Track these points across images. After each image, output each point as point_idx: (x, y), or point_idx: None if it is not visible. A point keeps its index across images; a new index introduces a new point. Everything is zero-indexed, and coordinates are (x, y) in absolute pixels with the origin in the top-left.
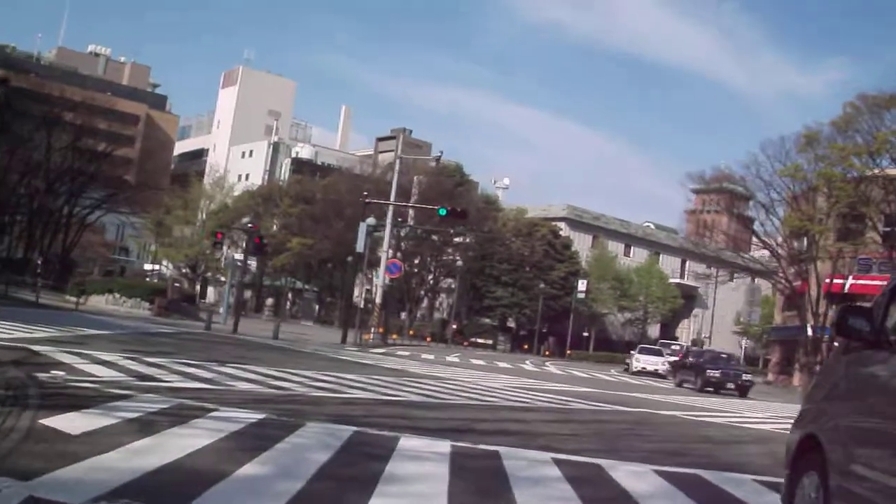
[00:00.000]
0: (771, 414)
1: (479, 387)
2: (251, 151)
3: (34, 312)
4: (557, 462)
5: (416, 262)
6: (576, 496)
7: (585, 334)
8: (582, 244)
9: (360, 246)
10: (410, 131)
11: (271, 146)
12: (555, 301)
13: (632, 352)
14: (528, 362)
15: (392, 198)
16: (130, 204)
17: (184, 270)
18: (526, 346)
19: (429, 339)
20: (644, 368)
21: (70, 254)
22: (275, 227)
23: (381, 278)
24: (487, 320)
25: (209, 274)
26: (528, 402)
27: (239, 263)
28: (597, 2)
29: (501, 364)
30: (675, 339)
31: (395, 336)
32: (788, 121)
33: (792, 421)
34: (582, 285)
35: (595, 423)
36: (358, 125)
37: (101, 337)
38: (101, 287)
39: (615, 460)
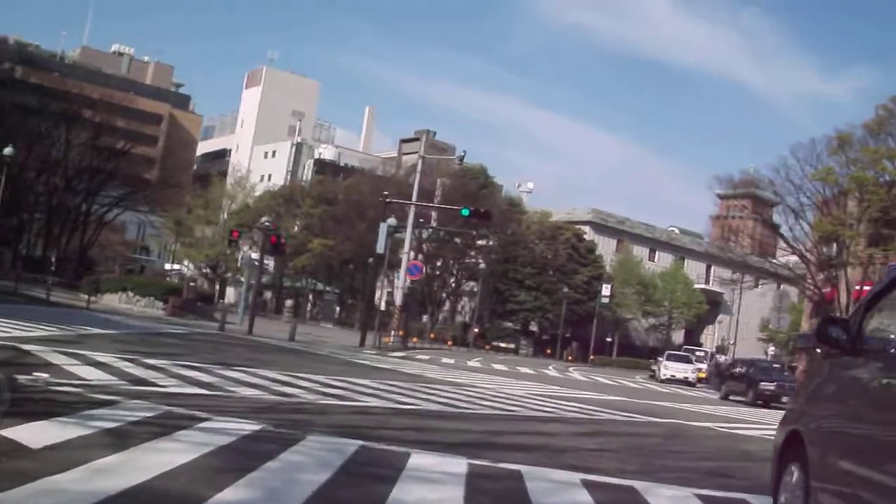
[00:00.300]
0: None
1: (501, 394)
2: (274, 152)
3: (42, 310)
4: (587, 484)
5: (439, 264)
6: None
7: (609, 340)
8: (606, 248)
9: (380, 247)
10: (434, 133)
11: (294, 147)
12: (578, 305)
13: (658, 358)
14: (551, 368)
15: (414, 198)
16: (151, 203)
17: (205, 270)
18: (549, 351)
19: (450, 342)
20: (673, 376)
21: (87, 252)
22: (296, 227)
23: (401, 280)
24: (510, 324)
25: (229, 274)
26: (552, 412)
27: (256, 263)
28: (620, 7)
29: (524, 369)
30: (700, 345)
31: (415, 339)
32: (812, 127)
33: None
34: (606, 290)
35: (625, 437)
36: (382, 127)
37: (103, 336)
38: (115, 286)
39: (651, 482)
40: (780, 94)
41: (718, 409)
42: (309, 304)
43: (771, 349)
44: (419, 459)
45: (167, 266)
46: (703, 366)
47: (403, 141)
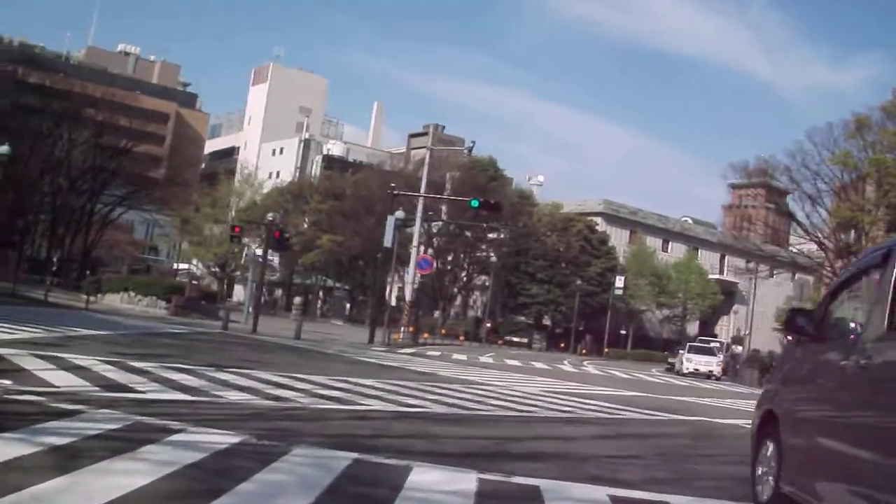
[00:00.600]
0: None
1: (514, 393)
2: (282, 149)
3: (37, 312)
4: (616, 502)
5: (450, 258)
6: None
7: (623, 332)
8: (619, 239)
9: (387, 240)
10: (443, 127)
11: (302, 143)
12: (591, 298)
13: (679, 350)
14: (565, 362)
15: (423, 190)
16: (158, 202)
17: (214, 269)
18: (562, 345)
19: (462, 337)
20: (696, 370)
21: (91, 252)
22: (305, 224)
23: (411, 275)
24: (522, 318)
25: (237, 273)
26: (570, 412)
27: (259, 259)
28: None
29: (538, 364)
30: (715, 336)
31: (426, 335)
32: (820, 116)
33: None
34: (619, 281)
35: (651, 439)
36: (390, 123)
37: (93, 338)
38: (117, 285)
39: (688, 496)
40: (788, 85)
41: (743, 404)
42: (319, 302)
43: (786, 339)
44: (421, 475)
45: (176, 265)
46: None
47: (412, 136)
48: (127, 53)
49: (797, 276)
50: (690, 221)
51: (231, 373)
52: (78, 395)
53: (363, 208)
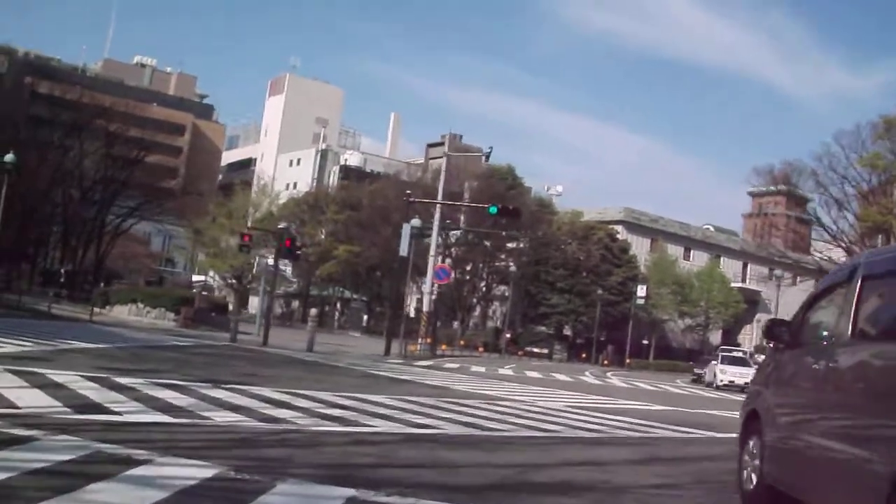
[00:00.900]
0: None
1: (536, 409)
2: (299, 160)
3: (38, 324)
4: None
5: (468, 268)
6: None
7: (645, 342)
8: (640, 248)
9: (403, 249)
10: (461, 137)
11: (319, 154)
12: (613, 307)
13: (712, 361)
14: (588, 374)
15: (440, 197)
16: (174, 213)
17: (230, 281)
18: (584, 356)
19: (481, 348)
20: (732, 382)
21: (103, 263)
22: (321, 234)
23: (428, 284)
24: (543, 328)
25: (253, 284)
26: (598, 430)
27: (271, 268)
28: (644, 8)
29: (560, 377)
30: (738, 345)
31: (444, 346)
32: (840, 123)
33: None
34: (641, 290)
35: (690, 463)
36: (408, 133)
37: (86, 351)
38: (125, 297)
39: None
40: (807, 91)
41: None
42: (337, 313)
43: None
44: None
45: (193, 277)
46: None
47: (430, 146)
48: (143, 65)
49: None
50: (712, 229)
51: (227, 389)
52: (41, 417)
53: (380, 218)
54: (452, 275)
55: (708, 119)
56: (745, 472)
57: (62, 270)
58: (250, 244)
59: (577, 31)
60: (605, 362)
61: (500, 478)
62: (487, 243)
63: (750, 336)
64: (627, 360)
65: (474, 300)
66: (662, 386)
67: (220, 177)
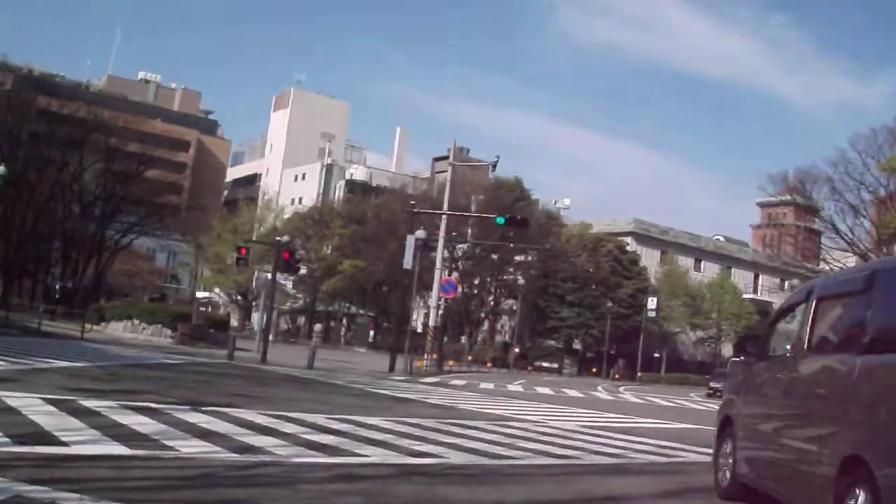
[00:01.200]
0: None
1: (548, 431)
2: (304, 175)
3: (23, 341)
4: None
5: (476, 282)
6: None
7: (656, 355)
8: (650, 260)
9: (407, 261)
10: (468, 150)
11: (324, 168)
12: (623, 320)
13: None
14: (600, 388)
15: (445, 207)
16: (176, 228)
17: (235, 298)
18: (594, 370)
19: (489, 364)
20: None
21: (102, 279)
22: (327, 249)
23: (434, 298)
24: (552, 342)
25: (258, 301)
26: (618, 455)
27: (274, 282)
28: (648, 22)
29: (571, 392)
30: None
31: (451, 362)
32: (846, 133)
33: None
34: (652, 303)
35: None
36: (415, 149)
37: (62, 371)
38: (121, 313)
39: None
40: (811, 102)
41: None
42: (343, 329)
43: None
44: None
45: (194, 293)
46: None
47: (436, 159)
48: (147, 81)
49: None
50: (723, 240)
51: (207, 413)
52: None
53: (386, 232)
54: (459, 289)
55: (713, 130)
56: (720, 472)
57: (57, 286)
58: (247, 257)
59: (581, 45)
60: (616, 376)
61: None
62: (495, 256)
63: None
64: (639, 374)
65: (482, 314)
66: (677, 401)
67: (226, 193)
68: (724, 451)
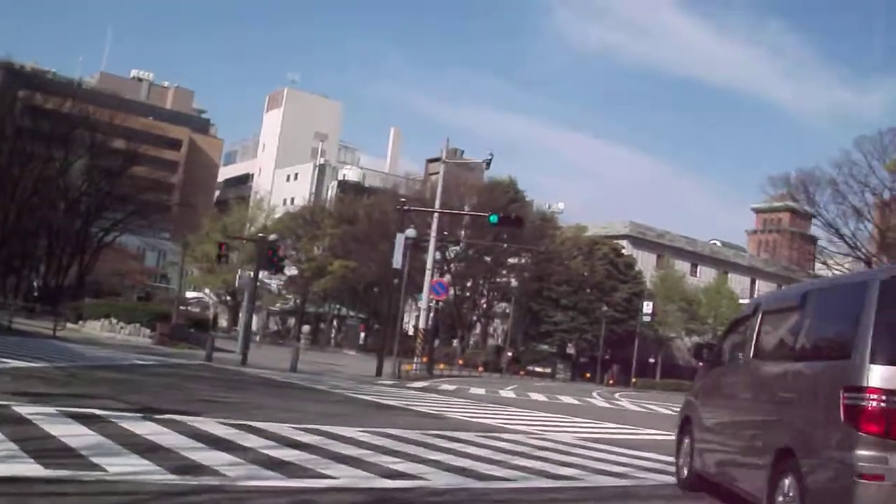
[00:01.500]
0: None
1: (543, 444)
2: (296, 175)
3: None
4: None
5: (468, 285)
6: None
7: (651, 360)
8: (646, 263)
9: (396, 261)
10: (462, 152)
11: (317, 169)
12: (618, 325)
13: None
14: (595, 395)
15: (437, 205)
16: (168, 228)
17: (225, 298)
18: (588, 375)
19: (481, 368)
20: None
21: (85, 277)
22: (317, 249)
23: (425, 300)
24: (545, 347)
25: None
26: (624, 475)
27: (259, 282)
28: (645, 27)
29: (566, 399)
30: None
31: (442, 366)
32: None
33: None
34: (647, 307)
35: None
36: (409, 151)
37: (12, 372)
38: (99, 312)
39: None
40: (808, 108)
41: None
42: (333, 331)
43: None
44: None
45: (187, 294)
46: None
47: (430, 161)
48: (140, 79)
49: None
50: (719, 244)
51: (159, 422)
52: None
53: (377, 233)
54: (451, 291)
55: (709, 135)
56: (680, 466)
57: (35, 284)
58: (227, 254)
59: (578, 48)
60: (611, 382)
61: None
62: (488, 258)
63: None
64: (633, 380)
65: (474, 317)
66: (677, 409)
67: (217, 192)
68: (684, 447)
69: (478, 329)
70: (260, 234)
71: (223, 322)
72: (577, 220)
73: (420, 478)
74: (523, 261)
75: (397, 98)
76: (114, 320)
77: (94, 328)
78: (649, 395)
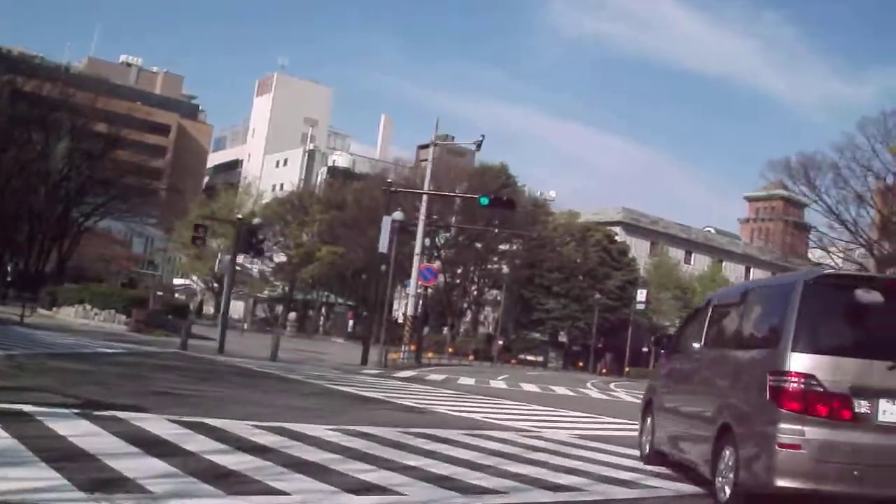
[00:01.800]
0: None
1: (540, 442)
2: (286, 160)
3: None
4: None
5: (459, 271)
6: None
7: (645, 349)
8: (639, 250)
9: (383, 244)
10: (453, 137)
11: (307, 154)
12: (611, 313)
13: None
14: (589, 385)
15: (426, 187)
16: (154, 214)
17: (213, 285)
18: (580, 364)
19: (471, 356)
20: None
21: (65, 262)
22: (305, 235)
23: (412, 286)
24: (537, 335)
25: (235, 288)
26: (631, 482)
27: (236, 266)
28: (640, 17)
29: (559, 390)
30: None
31: (430, 354)
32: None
33: None
34: (641, 295)
35: None
36: (400, 141)
37: None
38: (73, 297)
39: None
40: (802, 98)
41: None
42: (322, 318)
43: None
44: None
45: (175, 280)
46: None
47: (420, 147)
48: (129, 64)
49: None
50: (714, 232)
51: (97, 420)
52: None
53: (366, 219)
54: (441, 277)
55: (703, 125)
56: (642, 443)
57: (7, 268)
58: (203, 236)
59: (573, 39)
60: (603, 371)
61: None
62: (479, 245)
63: None
64: (626, 369)
65: (465, 305)
66: None
67: (207, 178)
68: (646, 426)
69: (468, 317)
70: (239, 217)
71: (209, 309)
72: (569, 205)
73: (392, 491)
74: (515, 247)
75: (389, 87)
76: (88, 306)
77: (69, 314)
78: (644, 384)
